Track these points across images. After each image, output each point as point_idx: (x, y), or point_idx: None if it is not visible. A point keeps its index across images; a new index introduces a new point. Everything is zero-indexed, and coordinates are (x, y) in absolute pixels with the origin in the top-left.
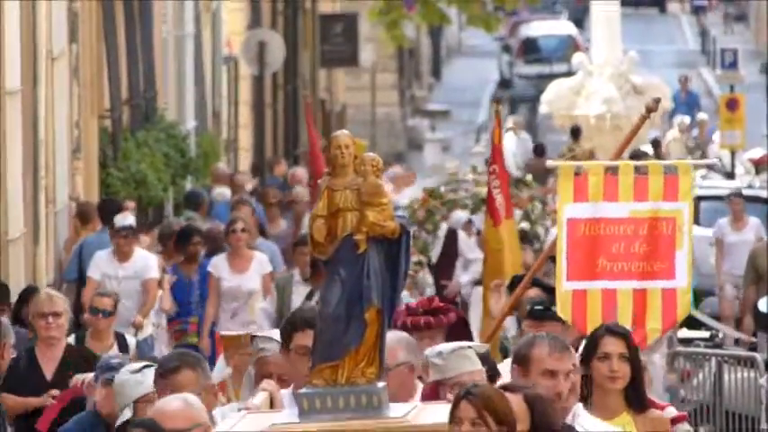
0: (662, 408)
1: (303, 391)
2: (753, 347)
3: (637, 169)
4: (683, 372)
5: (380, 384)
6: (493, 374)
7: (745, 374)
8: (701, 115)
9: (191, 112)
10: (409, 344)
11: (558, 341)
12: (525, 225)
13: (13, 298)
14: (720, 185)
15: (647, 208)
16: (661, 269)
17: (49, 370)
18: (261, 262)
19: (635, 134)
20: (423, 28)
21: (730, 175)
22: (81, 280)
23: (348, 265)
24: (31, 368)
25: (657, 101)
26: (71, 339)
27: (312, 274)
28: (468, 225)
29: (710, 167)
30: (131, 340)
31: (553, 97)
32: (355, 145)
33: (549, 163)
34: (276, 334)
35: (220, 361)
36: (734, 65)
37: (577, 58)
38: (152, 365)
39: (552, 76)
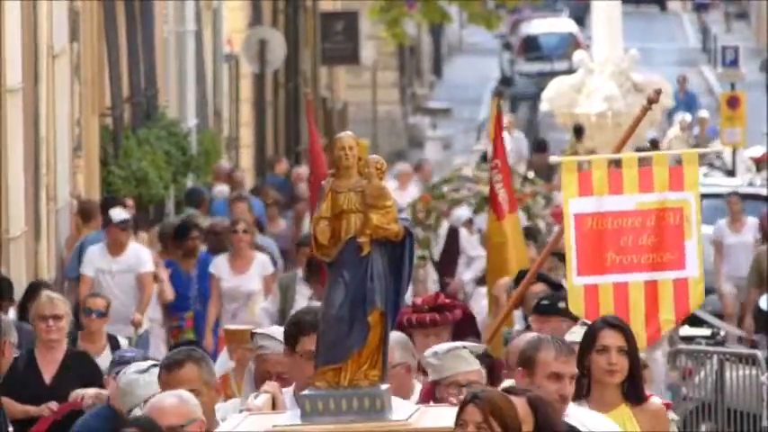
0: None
1: (305, 393)
2: (753, 345)
3: (640, 161)
4: (685, 369)
5: (383, 387)
6: (492, 370)
7: (747, 372)
8: (702, 113)
9: (192, 110)
10: (406, 344)
11: (564, 345)
12: (525, 220)
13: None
14: (721, 183)
15: (654, 199)
16: (671, 260)
17: (48, 373)
18: (262, 263)
19: (636, 126)
20: (423, 26)
21: (731, 173)
22: None
23: (352, 268)
24: (30, 371)
25: (659, 92)
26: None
27: (308, 276)
28: (469, 223)
29: (712, 165)
30: (124, 342)
31: (554, 95)
32: (359, 146)
33: (552, 159)
34: (275, 332)
35: (223, 354)
36: (735, 63)
37: (578, 55)
38: (158, 364)
39: (553, 74)
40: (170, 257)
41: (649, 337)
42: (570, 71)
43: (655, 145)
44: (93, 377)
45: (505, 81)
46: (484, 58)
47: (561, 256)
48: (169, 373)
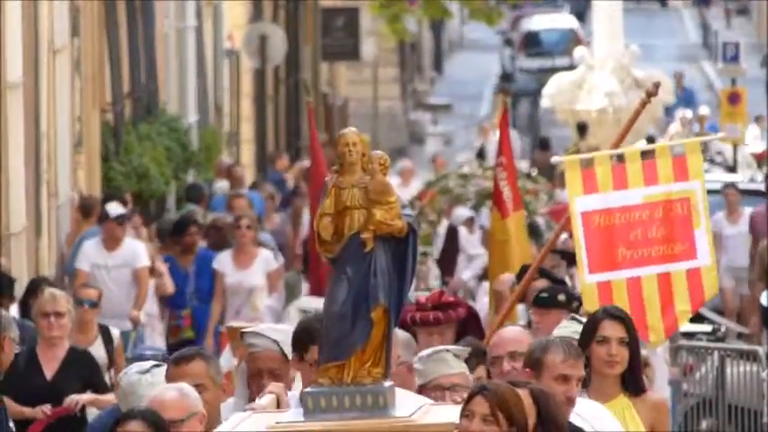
0: None
1: (308, 390)
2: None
3: (643, 155)
4: (686, 365)
5: (387, 384)
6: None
7: (748, 368)
8: (701, 109)
9: (192, 106)
10: (408, 343)
11: (572, 347)
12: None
13: (17, 293)
14: (722, 179)
15: (660, 191)
16: (682, 250)
17: (49, 370)
18: (266, 259)
19: (635, 120)
20: (424, 22)
21: (732, 169)
22: None
23: (355, 264)
24: (32, 367)
25: (657, 85)
26: None
27: (304, 270)
28: (469, 222)
29: (713, 161)
30: (115, 332)
31: (555, 91)
32: (363, 142)
33: (554, 159)
34: (265, 329)
35: (226, 352)
36: (735, 58)
37: (579, 51)
38: (160, 364)
39: (554, 70)
40: (168, 253)
41: (667, 329)
42: (571, 67)
43: (652, 143)
44: (94, 375)
45: (506, 77)
46: (485, 55)
47: (562, 254)
48: (177, 367)
